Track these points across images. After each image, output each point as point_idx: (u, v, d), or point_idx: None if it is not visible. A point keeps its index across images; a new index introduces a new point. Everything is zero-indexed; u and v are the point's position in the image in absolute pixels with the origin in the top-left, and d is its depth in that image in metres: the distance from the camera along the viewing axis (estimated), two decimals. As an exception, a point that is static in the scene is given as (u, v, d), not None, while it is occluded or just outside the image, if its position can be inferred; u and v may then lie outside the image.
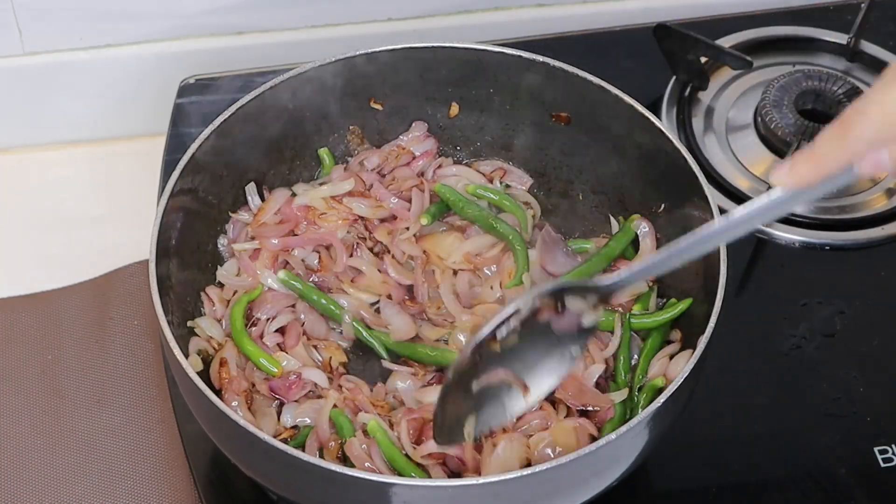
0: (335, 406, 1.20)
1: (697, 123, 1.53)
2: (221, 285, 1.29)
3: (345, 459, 1.18)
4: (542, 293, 1.05)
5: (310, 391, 1.23)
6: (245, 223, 1.32)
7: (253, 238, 1.31)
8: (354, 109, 1.37)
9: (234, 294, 1.28)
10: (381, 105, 1.37)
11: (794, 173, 0.94)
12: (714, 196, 1.21)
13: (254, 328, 1.26)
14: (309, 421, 1.21)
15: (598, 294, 1.06)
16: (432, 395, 1.19)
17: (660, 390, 1.18)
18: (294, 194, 1.34)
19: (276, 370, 1.23)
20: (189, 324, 1.24)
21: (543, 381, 1.08)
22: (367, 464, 1.16)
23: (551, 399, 1.19)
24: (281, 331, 1.27)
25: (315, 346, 1.27)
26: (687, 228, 1.24)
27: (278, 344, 1.26)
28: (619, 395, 1.20)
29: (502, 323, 1.05)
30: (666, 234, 1.30)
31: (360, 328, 1.27)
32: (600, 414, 1.20)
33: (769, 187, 0.92)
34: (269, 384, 1.22)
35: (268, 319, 1.27)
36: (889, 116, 0.90)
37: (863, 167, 0.93)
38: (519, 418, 1.16)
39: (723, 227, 1.00)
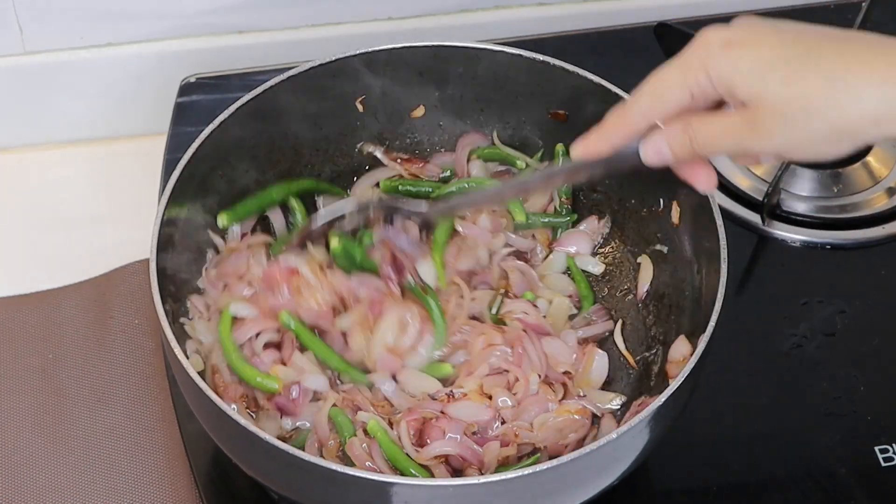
0: (334, 405, 1.20)
1: (698, 123, 1.53)
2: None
3: (346, 459, 1.18)
4: (370, 203, 1.19)
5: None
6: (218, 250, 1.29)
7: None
8: (354, 109, 1.37)
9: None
10: (364, 106, 1.36)
11: (586, 143, 1.06)
12: (715, 195, 1.20)
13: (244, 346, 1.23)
14: (308, 424, 1.20)
15: (421, 218, 1.20)
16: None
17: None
18: (272, 246, 1.29)
19: (276, 386, 1.19)
20: (181, 321, 1.23)
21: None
22: (367, 463, 1.16)
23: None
24: (275, 344, 1.24)
25: None
26: (688, 228, 1.25)
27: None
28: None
29: (336, 219, 1.20)
30: (667, 233, 1.30)
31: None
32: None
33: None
34: (274, 403, 1.20)
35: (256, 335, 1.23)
36: (657, 90, 1.00)
37: (646, 154, 1.02)
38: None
39: (528, 180, 1.20)
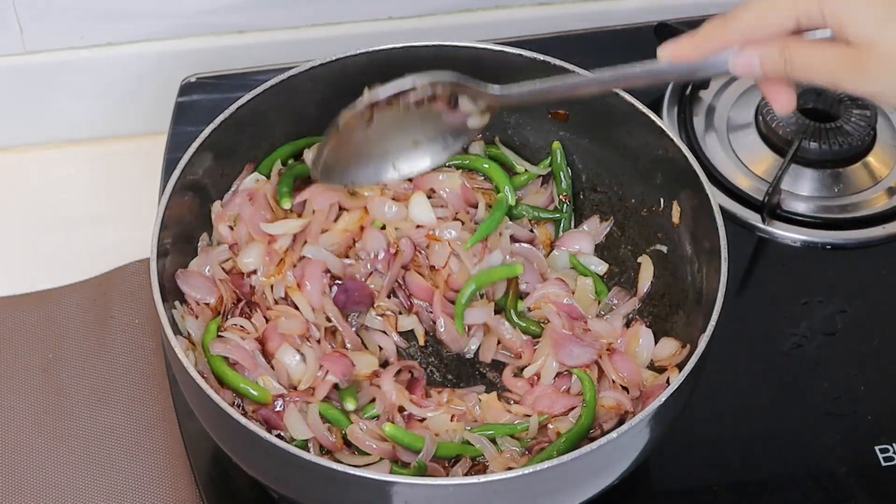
0: (324, 401, 1.20)
1: (698, 122, 1.53)
2: None
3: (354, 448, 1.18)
4: (440, 80, 1.15)
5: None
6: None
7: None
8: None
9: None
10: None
11: (677, 48, 1.04)
12: (715, 195, 1.21)
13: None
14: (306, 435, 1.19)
15: (488, 100, 1.17)
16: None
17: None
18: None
19: (263, 398, 1.18)
20: (174, 312, 1.21)
21: (417, 162, 1.22)
22: (367, 442, 1.16)
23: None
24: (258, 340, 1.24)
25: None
26: (688, 228, 1.25)
27: (262, 350, 1.23)
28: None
29: (401, 93, 1.15)
30: (667, 233, 1.29)
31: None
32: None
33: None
34: (260, 415, 1.18)
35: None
36: (764, 12, 1.00)
37: (736, 65, 1.02)
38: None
39: (608, 75, 1.12)
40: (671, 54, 1.05)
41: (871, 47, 0.96)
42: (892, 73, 0.97)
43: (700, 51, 1.04)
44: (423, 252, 1.31)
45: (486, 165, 1.36)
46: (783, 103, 1.05)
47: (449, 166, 1.35)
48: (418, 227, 1.31)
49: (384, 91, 1.15)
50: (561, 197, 1.36)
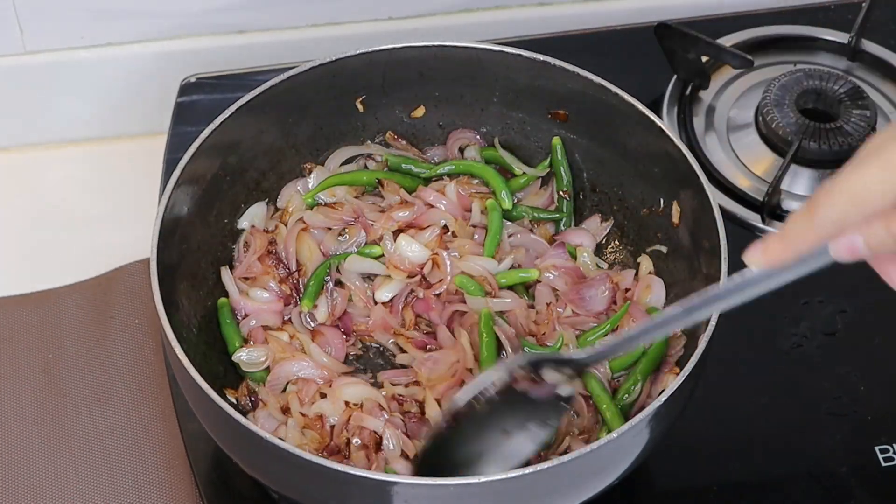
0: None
1: (698, 122, 1.53)
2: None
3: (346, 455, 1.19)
4: (515, 365, 1.07)
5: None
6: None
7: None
8: (355, 109, 1.37)
9: None
10: (364, 106, 1.36)
11: (767, 252, 0.94)
12: (715, 195, 1.21)
13: None
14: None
15: (573, 366, 1.07)
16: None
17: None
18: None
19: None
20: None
21: (523, 447, 1.09)
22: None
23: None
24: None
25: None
26: (688, 228, 1.25)
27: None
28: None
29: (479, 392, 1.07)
30: (667, 233, 1.29)
31: None
32: None
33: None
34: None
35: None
36: (856, 198, 0.89)
37: (838, 250, 0.92)
38: None
39: (702, 301, 1.01)
40: (763, 260, 0.94)
41: None
42: None
43: (793, 251, 0.93)
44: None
45: (481, 169, 1.37)
46: None
47: (440, 177, 1.36)
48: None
49: (464, 394, 1.08)
50: (561, 192, 1.36)
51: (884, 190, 0.87)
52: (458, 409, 1.08)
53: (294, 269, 1.31)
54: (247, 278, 1.30)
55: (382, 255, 1.31)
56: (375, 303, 1.30)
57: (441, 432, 1.09)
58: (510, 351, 1.24)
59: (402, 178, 1.36)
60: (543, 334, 1.27)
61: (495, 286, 1.28)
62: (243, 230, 1.33)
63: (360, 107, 1.36)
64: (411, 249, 1.29)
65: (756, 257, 0.94)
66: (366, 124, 1.38)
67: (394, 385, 1.24)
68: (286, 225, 1.33)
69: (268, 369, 1.25)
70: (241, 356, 1.25)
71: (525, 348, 1.23)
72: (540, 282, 1.31)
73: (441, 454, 1.10)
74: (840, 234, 0.90)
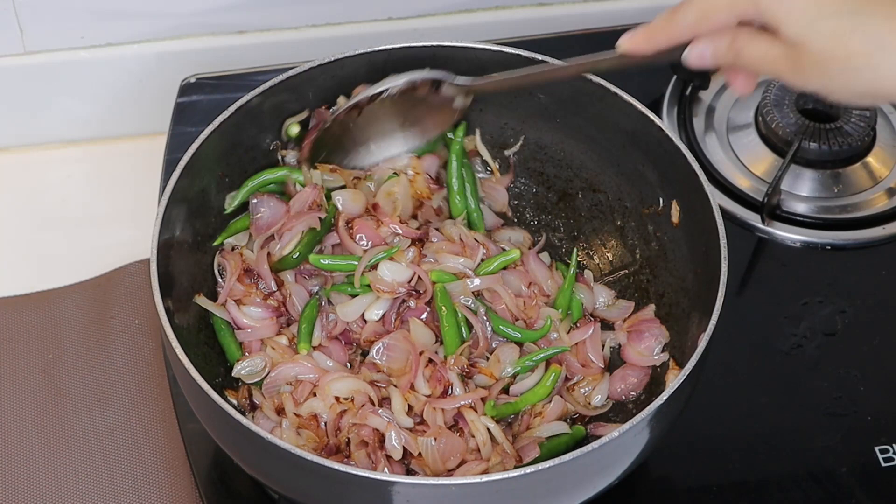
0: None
1: (698, 123, 1.53)
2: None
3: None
4: (416, 79, 1.24)
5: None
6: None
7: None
8: (353, 108, 1.37)
9: None
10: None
11: (632, 40, 1.11)
12: (715, 195, 1.21)
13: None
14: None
15: (463, 89, 1.25)
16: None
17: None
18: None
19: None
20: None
21: (395, 144, 1.30)
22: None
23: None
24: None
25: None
26: (688, 228, 1.25)
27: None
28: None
29: (381, 92, 1.25)
30: (666, 233, 1.30)
31: None
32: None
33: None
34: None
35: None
36: (706, 10, 1.04)
37: (689, 56, 1.07)
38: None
39: (577, 62, 1.19)
40: (628, 47, 1.11)
41: (805, 47, 0.99)
42: (825, 73, 1.00)
43: (652, 45, 1.10)
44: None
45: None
46: (740, 86, 1.09)
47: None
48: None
49: (366, 93, 1.24)
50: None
51: (728, 12, 1.03)
52: (360, 101, 1.24)
53: (274, 289, 1.28)
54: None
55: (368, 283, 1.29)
56: (366, 321, 1.29)
57: (341, 118, 1.26)
58: (476, 327, 1.26)
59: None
60: (531, 318, 1.28)
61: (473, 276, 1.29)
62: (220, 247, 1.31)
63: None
64: (392, 272, 1.28)
65: (623, 43, 1.11)
66: (366, 124, 1.38)
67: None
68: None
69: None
70: (241, 371, 1.24)
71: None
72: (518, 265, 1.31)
73: (343, 137, 1.28)
74: (691, 39, 1.06)
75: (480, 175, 1.40)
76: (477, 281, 1.28)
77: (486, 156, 1.39)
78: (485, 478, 1.04)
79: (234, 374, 1.24)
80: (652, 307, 1.29)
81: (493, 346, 1.27)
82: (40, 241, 1.52)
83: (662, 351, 1.26)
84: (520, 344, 1.27)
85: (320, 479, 1.06)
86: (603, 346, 1.29)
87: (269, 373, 1.24)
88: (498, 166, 1.39)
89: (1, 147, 1.62)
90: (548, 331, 1.27)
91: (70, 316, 1.43)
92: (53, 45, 1.56)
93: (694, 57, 1.07)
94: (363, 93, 1.26)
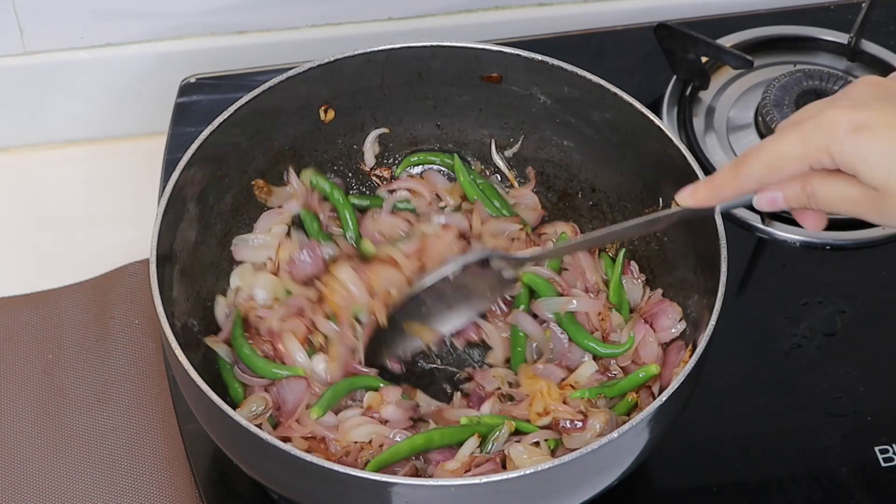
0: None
1: (698, 123, 1.53)
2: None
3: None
4: (471, 259, 1.23)
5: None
6: None
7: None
8: (354, 109, 1.37)
9: None
10: (334, 112, 1.36)
11: (695, 195, 1.09)
12: (715, 195, 1.21)
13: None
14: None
15: (516, 261, 1.25)
16: None
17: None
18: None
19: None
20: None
21: (454, 321, 1.28)
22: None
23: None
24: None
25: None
26: (687, 228, 1.25)
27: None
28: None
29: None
30: (666, 233, 1.29)
31: None
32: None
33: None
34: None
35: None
36: (775, 162, 1.02)
37: (760, 202, 1.05)
38: None
39: (635, 224, 1.16)
40: (691, 200, 1.09)
41: (886, 189, 0.98)
42: None
43: (717, 198, 1.08)
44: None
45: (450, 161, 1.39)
46: (811, 225, 1.07)
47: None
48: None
49: (422, 284, 1.23)
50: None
51: (800, 162, 1.01)
52: (423, 288, 1.23)
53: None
54: None
55: None
56: None
57: (412, 298, 1.25)
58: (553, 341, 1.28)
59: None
60: (607, 332, 1.28)
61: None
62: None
63: (323, 115, 1.36)
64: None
65: (685, 198, 1.10)
66: (365, 125, 1.38)
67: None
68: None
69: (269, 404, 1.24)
70: (244, 415, 1.20)
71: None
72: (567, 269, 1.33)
73: (408, 315, 1.26)
74: (759, 189, 1.04)
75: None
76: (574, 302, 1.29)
77: (503, 166, 1.39)
78: (484, 478, 1.04)
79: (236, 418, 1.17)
80: (659, 291, 1.29)
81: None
82: (40, 241, 1.52)
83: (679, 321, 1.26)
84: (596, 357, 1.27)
85: (320, 479, 1.06)
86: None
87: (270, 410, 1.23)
88: (516, 177, 1.39)
89: (1, 147, 1.62)
90: (632, 345, 1.25)
91: (70, 316, 1.43)
92: (53, 46, 1.56)
93: (764, 203, 1.05)
94: (414, 289, 1.24)
